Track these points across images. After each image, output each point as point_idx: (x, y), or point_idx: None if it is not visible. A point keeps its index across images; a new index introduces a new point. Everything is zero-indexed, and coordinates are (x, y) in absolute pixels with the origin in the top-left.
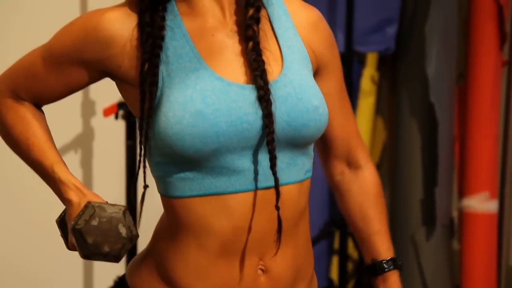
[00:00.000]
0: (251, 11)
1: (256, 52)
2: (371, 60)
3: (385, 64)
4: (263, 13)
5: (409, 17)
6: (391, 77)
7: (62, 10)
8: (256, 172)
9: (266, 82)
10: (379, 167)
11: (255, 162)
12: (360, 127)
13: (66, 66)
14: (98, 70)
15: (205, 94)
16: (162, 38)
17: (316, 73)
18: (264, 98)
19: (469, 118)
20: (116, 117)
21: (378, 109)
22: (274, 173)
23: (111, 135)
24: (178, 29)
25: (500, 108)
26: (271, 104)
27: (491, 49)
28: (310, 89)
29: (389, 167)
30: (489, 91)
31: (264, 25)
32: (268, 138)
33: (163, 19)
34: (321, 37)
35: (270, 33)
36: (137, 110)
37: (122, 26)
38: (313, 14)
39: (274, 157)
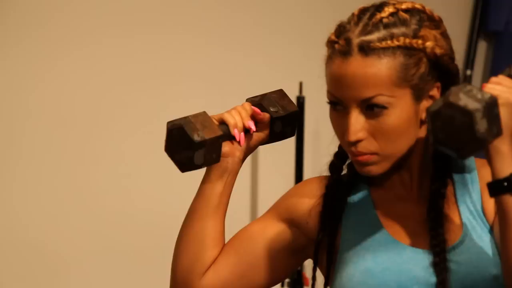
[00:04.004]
0: (437, 185)
1: (436, 222)
2: None
3: None
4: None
5: None
6: None
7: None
8: None
9: (443, 250)
10: None
11: None
12: None
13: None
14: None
15: (376, 254)
16: (343, 209)
17: None
18: (439, 265)
19: None
20: (282, 286)
21: None
22: None
23: None
24: (365, 198)
25: None
26: (446, 271)
27: None
28: (490, 257)
29: None
30: None
31: (448, 192)
32: None
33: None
34: None
35: (452, 199)
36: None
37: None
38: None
39: None
